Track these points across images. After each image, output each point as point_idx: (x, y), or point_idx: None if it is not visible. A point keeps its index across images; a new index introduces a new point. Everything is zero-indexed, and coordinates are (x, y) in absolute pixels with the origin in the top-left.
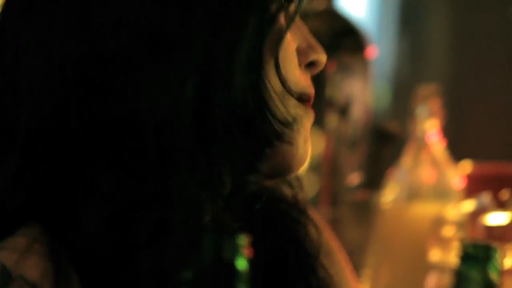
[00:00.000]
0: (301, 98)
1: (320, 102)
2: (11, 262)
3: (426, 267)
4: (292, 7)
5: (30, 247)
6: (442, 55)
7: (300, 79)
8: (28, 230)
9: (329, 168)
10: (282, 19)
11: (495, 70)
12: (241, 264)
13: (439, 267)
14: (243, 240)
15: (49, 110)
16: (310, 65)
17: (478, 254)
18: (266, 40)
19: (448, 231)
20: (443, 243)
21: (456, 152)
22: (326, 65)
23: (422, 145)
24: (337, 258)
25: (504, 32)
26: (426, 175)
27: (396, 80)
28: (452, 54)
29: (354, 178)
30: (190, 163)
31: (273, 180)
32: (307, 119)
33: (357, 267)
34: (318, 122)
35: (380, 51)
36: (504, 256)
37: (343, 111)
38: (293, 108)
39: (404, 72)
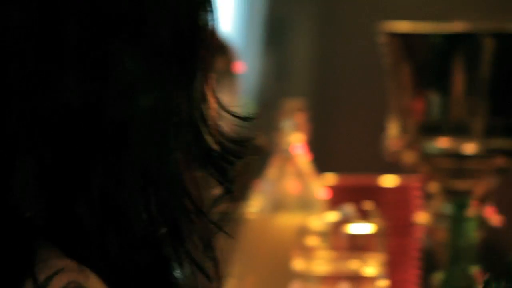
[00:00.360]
0: None
1: None
2: (85, 281)
3: (289, 276)
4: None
5: (80, 266)
6: (306, 71)
7: None
8: (53, 250)
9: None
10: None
11: (358, 87)
12: None
13: (302, 276)
14: None
15: None
16: None
17: None
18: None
19: (312, 241)
20: (307, 252)
21: (320, 164)
22: None
23: (287, 157)
24: None
25: (368, 50)
26: (291, 186)
27: (262, 95)
28: (316, 70)
29: (220, 190)
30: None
31: None
32: None
33: (223, 277)
34: None
35: (246, 66)
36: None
37: None
38: None
39: (270, 87)
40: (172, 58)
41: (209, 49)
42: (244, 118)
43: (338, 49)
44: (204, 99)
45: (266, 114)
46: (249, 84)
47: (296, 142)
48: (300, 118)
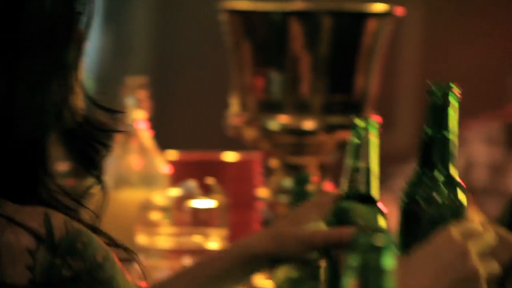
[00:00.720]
0: None
1: None
2: (68, 217)
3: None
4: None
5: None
6: (147, 48)
7: None
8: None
9: None
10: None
11: (199, 64)
12: None
13: (146, 251)
14: None
15: None
16: None
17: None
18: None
19: (155, 216)
20: (150, 227)
21: (162, 141)
22: None
23: (131, 133)
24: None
25: (209, 27)
26: (134, 162)
27: (101, 71)
28: (157, 47)
29: (63, 166)
30: None
31: None
32: None
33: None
34: None
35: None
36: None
37: None
38: None
39: (109, 64)
40: (47, 44)
41: (82, 37)
42: (110, 110)
43: (179, 26)
44: (72, 86)
45: (105, 91)
46: (89, 60)
47: (138, 118)
48: (142, 95)
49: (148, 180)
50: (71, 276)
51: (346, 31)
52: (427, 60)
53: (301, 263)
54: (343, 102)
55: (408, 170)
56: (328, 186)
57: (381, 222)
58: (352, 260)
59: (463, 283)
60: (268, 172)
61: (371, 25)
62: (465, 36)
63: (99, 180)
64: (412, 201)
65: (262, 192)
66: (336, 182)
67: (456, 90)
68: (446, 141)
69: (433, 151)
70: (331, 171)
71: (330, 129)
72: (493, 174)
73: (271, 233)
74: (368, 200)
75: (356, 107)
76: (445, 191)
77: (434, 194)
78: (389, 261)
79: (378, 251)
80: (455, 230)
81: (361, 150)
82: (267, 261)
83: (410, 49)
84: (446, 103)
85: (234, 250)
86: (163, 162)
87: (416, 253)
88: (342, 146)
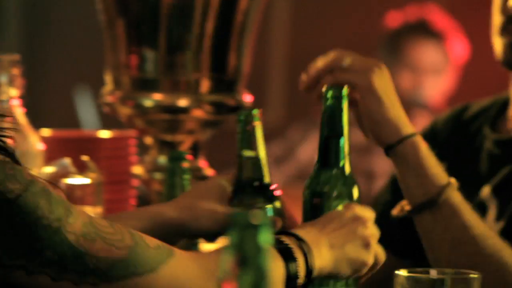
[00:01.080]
0: None
1: None
2: None
3: None
4: None
5: None
6: (18, 25)
7: None
8: None
9: None
10: None
11: (73, 42)
12: None
13: None
14: None
15: None
16: None
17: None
18: None
19: None
20: None
21: (34, 118)
22: None
23: (5, 112)
24: None
25: (83, 4)
26: (7, 139)
27: None
28: (27, 25)
29: None
30: None
31: None
32: None
33: None
34: None
35: None
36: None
37: None
38: None
39: None
40: None
41: None
42: None
43: (53, 3)
44: None
45: None
46: None
47: (11, 96)
48: (15, 72)
49: (22, 157)
50: (15, 198)
51: (219, 9)
52: (296, 39)
53: (208, 239)
54: (217, 80)
55: (278, 147)
56: (202, 163)
57: (277, 205)
58: (231, 237)
59: (356, 247)
60: (143, 149)
61: (243, 3)
62: (333, 16)
63: (13, 158)
64: (312, 195)
65: (137, 169)
66: (210, 159)
67: (346, 94)
68: (339, 141)
69: (328, 150)
70: (205, 149)
71: (204, 106)
72: (357, 156)
73: (186, 204)
74: (262, 187)
75: (229, 85)
76: (339, 185)
77: (330, 188)
78: (266, 238)
79: (254, 228)
80: (358, 207)
81: (248, 140)
82: (178, 231)
83: (280, 28)
84: (340, 107)
85: (147, 214)
86: (37, 139)
87: (320, 218)
88: (216, 124)
